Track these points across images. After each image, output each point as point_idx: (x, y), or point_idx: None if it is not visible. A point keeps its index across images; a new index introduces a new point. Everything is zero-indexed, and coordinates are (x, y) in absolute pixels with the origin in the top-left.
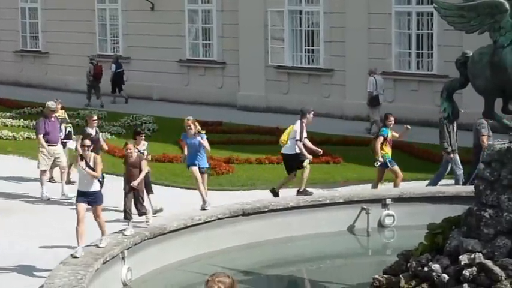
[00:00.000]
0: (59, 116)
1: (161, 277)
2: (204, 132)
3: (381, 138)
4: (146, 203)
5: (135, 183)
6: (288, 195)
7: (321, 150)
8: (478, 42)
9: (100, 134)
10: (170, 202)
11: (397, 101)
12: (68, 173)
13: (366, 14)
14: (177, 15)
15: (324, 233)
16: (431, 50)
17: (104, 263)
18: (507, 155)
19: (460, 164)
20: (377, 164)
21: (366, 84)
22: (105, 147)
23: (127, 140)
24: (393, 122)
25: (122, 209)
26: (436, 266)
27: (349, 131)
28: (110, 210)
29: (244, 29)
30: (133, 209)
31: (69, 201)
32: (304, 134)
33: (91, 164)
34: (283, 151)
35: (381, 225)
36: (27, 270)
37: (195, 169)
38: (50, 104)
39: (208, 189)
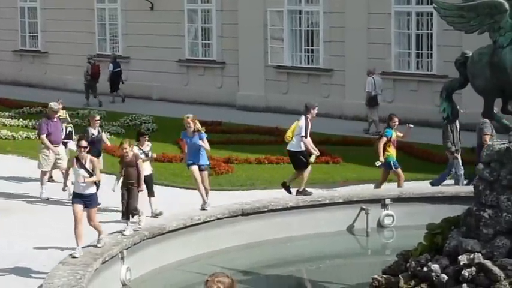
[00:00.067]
0: (60, 116)
1: (160, 277)
2: (204, 131)
3: (384, 139)
4: (145, 205)
5: (141, 188)
6: (288, 195)
7: (318, 152)
8: (477, 43)
9: (103, 133)
10: (169, 202)
11: (396, 101)
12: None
13: (365, 14)
14: (177, 15)
15: (324, 233)
16: (431, 50)
17: (103, 263)
18: (506, 155)
19: (461, 164)
20: (378, 164)
21: (365, 84)
22: (108, 144)
23: (128, 140)
24: (397, 123)
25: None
26: (435, 266)
27: (348, 131)
28: (111, 211)
29: (244, 28)
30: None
31: (69, 201)
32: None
33: (87, 165)
34: (288, 148)
35: (380, 225)
36: (26, 270)
37: (195, 169)
38: (53, 104)
39: None
